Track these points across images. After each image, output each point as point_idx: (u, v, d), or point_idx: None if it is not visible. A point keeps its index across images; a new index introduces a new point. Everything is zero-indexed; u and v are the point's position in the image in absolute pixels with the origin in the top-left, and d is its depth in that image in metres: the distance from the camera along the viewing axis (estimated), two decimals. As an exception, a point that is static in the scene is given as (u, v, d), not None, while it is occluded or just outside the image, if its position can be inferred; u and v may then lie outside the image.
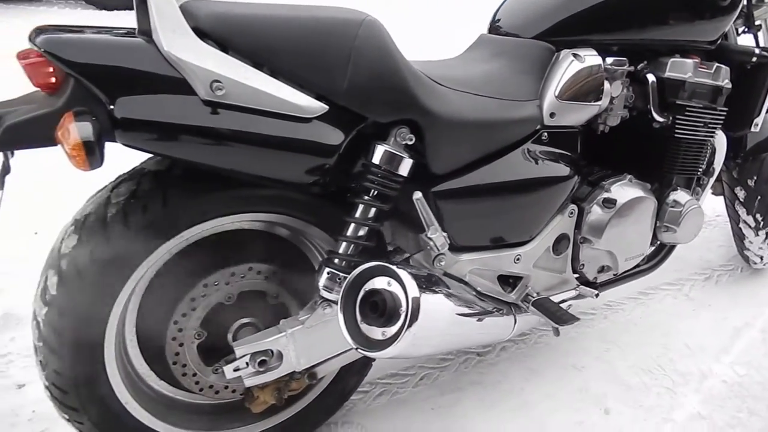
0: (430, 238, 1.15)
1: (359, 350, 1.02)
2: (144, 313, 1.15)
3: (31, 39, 0.91)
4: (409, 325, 0.98)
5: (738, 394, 1.68)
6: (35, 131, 0.87)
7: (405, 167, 1.09)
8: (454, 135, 1.15)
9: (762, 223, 1.93)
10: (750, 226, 1.95)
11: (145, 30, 0.98)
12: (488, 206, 1.24)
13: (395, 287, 1.02)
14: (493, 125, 1.21)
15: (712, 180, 1.66)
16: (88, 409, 1.09)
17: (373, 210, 1.10)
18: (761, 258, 2.04)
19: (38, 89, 0.97)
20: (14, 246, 2.00)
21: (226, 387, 1.25)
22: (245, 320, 1.22)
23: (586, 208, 1.40)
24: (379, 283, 1.04)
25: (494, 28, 1.46)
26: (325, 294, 1.12)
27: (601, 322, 1.93)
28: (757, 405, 1.64)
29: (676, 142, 1.45)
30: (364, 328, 1.04)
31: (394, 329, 1.00)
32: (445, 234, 1.16)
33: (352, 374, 1.38)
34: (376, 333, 1.03)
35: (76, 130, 0.81)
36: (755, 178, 1.87)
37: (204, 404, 1.32)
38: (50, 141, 0.87)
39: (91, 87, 0.88)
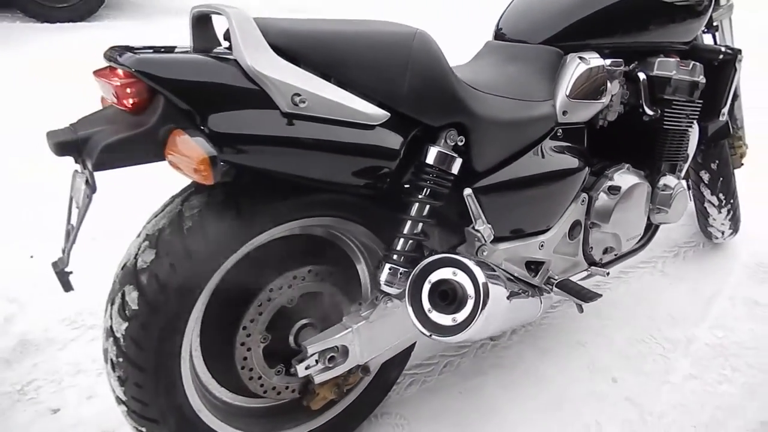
0: (477, 231, 1.25)
1: (433, 337, 1.11)
2: (211, 321, 1.18)
3: (112, 59, 0.94)
4: (482, 309, 1.07)
5: (720, 354, 1.88)
6: (136, 149, 0.90)
7: (456, 166, 1.19)
8: (493, 134, 1.26)
9: (724, 201, 2.16)
10: (714, 205, 2.18)
11: (202, 48, 1.03)
12: (519, 198, 1.36)
13: (461, 276, 1.11)
14: (522, 124, 1.33)
15: (687, 165, 1.85)
16: (167, 419, 1.12)
17: (427, 207, 1.19)
18: (722, 233, 2.28)
19: (109, 107, 1.00)
20: (15, 271, 1.93)
21: (287, 387, 1.30)
22: (305, 321, 1.27)
23: (594, 196, 1.54)
24: (444, 273, 1.13)
25: (500, 35, 1.58)
26: (386, 289, 1.20)
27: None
28: (738, 362, 1.85)
29: (665, 133, 1.62)
30: (434, 316, 1.12)
31: (464, 314, 1.10)
32: (490, 226, 1.26)
33: (394, 367, 1.46)
34: (447, 320, 1.11)
35: (198, 146, 0.86)
36: (717, 162, 2.10)
37: (260, 408, 1.36)
38: (156, 157, 0.90)
39: (181, 104, 0.92)
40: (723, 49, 1.73)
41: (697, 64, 1.65)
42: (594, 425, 1.60)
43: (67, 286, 1.03)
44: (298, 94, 0.98)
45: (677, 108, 1.61)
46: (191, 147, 0.86)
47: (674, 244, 2.47)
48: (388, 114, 1.09)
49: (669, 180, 1.67)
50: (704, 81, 1.66)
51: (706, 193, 2.16)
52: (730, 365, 1.83)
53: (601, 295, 1.45)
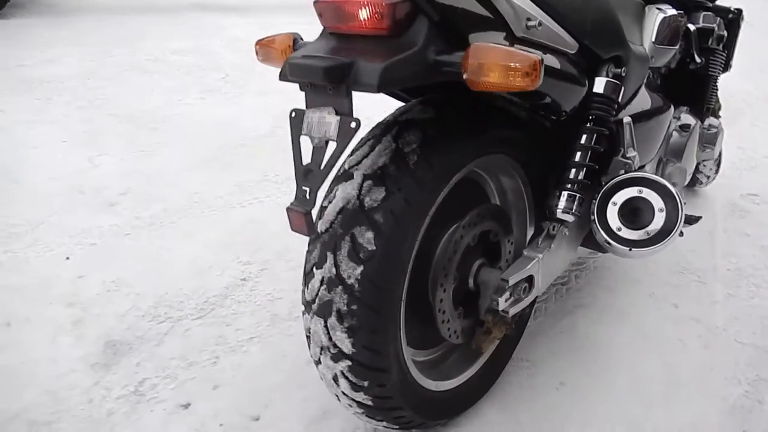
0: (629, 158, 1.34)
1: (635, 251, 1.18)
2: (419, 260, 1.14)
3: None
4: (682, 215, 1.17)
5: (741, 275, 2.15)
6: (411, 70, 0.89)
7: (620, 94, 1.27)
8: (633, 67, 1.36)
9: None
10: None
11: None
12: (642, 131, 1.48)
13: (648, 193, 1.20)
14: (643, 60, 1.45)
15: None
16: (393, 368, 1.08)
17: (595, 135, 1.26)
18: (708, 177, 2.60)
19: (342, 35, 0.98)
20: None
21: (462, 330, 1.30)
22: (480, 260, 1.28)
23: (670, 134, 1.71)
24: (629, 193, 1.21)
25: None
26: (563, 216, 1.25)
27: (626, 244, 2.30)
28: (757, 280, 2.13)
29: (708, 79, 1.84)
30: (624, 233, 1.20)
31: (657, 225, 1.19)
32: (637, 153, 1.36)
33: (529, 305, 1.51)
34: (638, 235, 1.20)
35: (526, 52, 0.86)
36: (706, 110, 2.40)
37: (430, 360, 1.34)
38: (425, 77, 0.92)
39: (445, 27, 0.92)
40: (732, 8, 2.00)
41: (720, 19, 1.89)
42: (679, 342, 1.76)
43: (312, 231, 0.97)
44: (530, 19, 1.01)
45: (716, 56, 1.84)
46: (517, 54, 0.86)
47: (662, 194, 2.76)
48: (577, 44, 1.15)
49: (713, 121, 1.90)
50: (725, 34, 1.91)
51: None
52: (753, 283, 2.11)
53: (701, 217, 1.62)
